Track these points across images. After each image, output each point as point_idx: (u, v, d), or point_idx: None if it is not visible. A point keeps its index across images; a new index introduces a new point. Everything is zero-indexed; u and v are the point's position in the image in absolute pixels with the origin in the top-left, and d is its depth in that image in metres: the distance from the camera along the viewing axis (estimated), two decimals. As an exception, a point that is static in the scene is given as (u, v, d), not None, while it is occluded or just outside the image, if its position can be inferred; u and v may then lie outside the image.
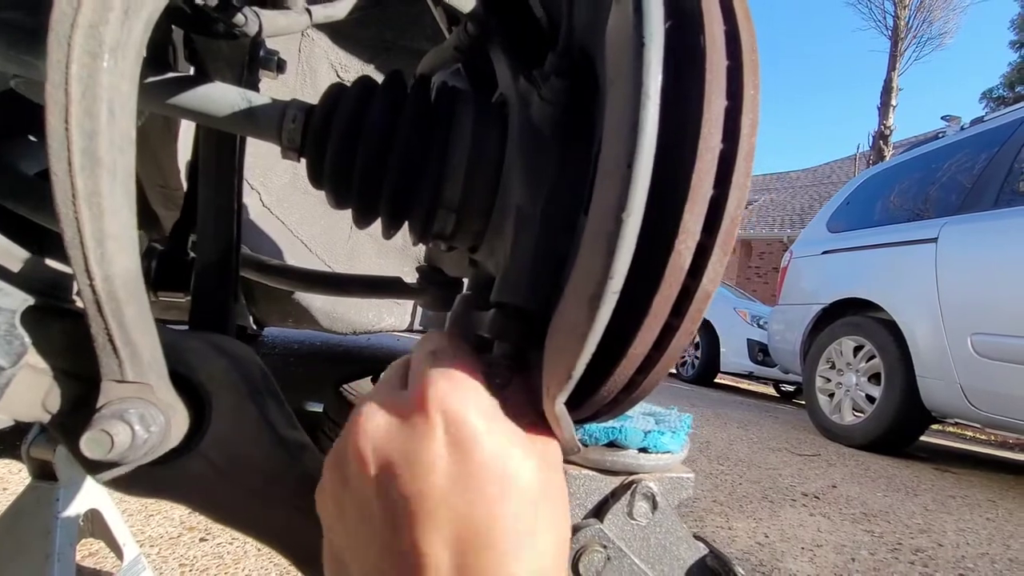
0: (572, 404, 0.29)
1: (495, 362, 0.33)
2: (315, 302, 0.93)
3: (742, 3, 0.27)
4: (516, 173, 0.34)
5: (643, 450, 0.36)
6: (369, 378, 0.86)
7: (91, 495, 0.75)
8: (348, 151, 0.34)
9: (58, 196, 0.24)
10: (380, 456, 0.22)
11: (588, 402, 0.32)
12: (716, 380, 6.19)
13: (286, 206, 0.86)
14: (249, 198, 0.81)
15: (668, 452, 0.37)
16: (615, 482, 0.36)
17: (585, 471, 0.36)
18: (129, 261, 0.25)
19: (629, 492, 0.36)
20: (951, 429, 5.59)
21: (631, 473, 0.36)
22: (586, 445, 0.35)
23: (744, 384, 6.85)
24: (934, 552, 1.59)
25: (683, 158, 0.25)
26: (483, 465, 0.22)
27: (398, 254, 1.02)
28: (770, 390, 6.56)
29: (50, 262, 0.32)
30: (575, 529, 0.34)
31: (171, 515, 1.07)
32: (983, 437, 5.49)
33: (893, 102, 12.41)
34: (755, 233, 14.11)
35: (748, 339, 5.59)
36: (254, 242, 0.77)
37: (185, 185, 0.46)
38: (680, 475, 0.38)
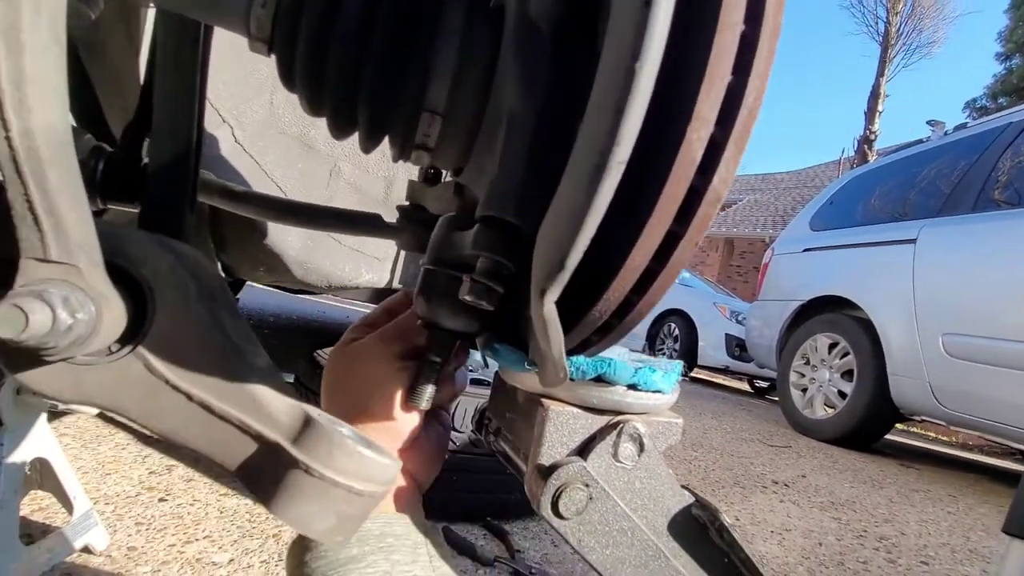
0: (562, 327, 0.27)
1: (429, 363, 0.36)
2: (288, 250, 0.88)
3: None
4: (510, 73, 0.30)
5: (632, 387, 0.33)
6: None
7: (40, 443, 0.70)
8: (323, 43, 0.31)
9: (-32, 28, 0.20)
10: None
11: (578, 326, 0.29)
12: (693, 373, 6.26)
13: (261, 144, 0.81)
14: (220, 131, 0.76)
15: (658, 392, 0.34)
16: (601, 421, 0.34)
17: (570, 408, 0.33)
18: (54, 115, 0.21)
19: (615, 432, 0.33)
20: (916, 429, 5.75)
21: (618, 412, 0.34)
22: (572, 380, 0.33)
23: (720, 378, 6.94)
24: (897, 540, 1.62)
25: (701, 38, 0.22)
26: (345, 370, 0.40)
27: (379, 204, 0.98)
28: (744, 385, 6.66)
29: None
30: (556, 466, 0.32)
31: (129, 474, 1.03)
32: (946, 438, 5.66)
33: (880, 107, 12.60)
34: (738, 232, 14.23)
35: (726, 334, 5.65)
36: (224, 180, 0.72)
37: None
38: (669, 420, 0.36)
